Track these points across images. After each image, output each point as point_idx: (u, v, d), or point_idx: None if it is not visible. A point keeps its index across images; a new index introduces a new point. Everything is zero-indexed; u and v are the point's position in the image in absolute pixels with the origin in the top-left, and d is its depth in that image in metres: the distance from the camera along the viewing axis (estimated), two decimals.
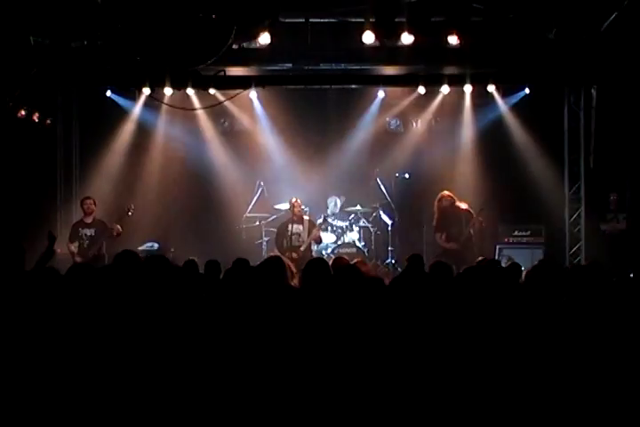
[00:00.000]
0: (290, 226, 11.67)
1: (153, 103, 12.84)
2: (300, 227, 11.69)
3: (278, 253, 11.10)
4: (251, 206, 12.56)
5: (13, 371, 4.47)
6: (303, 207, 11.94)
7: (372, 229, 12.61)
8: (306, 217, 11.82)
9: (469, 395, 4.43)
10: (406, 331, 4.85)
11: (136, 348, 4.64)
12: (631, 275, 8.39)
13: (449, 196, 11.44)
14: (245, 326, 4.88)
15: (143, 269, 5.50)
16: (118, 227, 10.97)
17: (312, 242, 11.76)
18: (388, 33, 10.65)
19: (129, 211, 11.13)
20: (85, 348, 4.61)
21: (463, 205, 11.44)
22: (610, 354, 4.59)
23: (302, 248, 11.49)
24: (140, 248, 11.98)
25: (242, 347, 4.69)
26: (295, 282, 6.45)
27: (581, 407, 4.36)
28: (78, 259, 10.68)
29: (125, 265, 5.84)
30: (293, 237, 11.59)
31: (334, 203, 12.62)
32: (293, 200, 11.84)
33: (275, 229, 12.30)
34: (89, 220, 11.22)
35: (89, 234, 11.03)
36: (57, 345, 4.63)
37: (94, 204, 11.29)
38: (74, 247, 11.00)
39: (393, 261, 12.27)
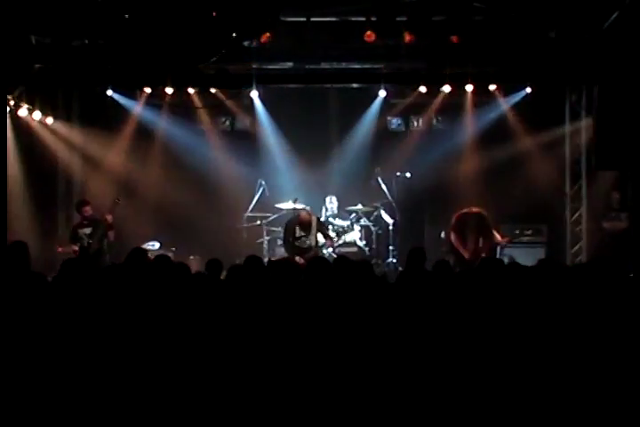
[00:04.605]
0: (297, 227, 11.48)
1: (154, 102, 12.86)
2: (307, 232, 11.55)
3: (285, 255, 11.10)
4: (252, 206, 12.51)
5: (15, 369, 4.48)
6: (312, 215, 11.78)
7: (373, 229, 12.57)
8: (314, 223, 11.64)
9: (469, 391, 4.44)
10: (408, 329, 4.87)
11: (138, 346, 4.68)
12: (631, 275, 8.35)
13: (484, 217, 11.33)
14: (247, 325, 4.89)
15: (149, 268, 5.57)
16: (110, 217, 11.02)
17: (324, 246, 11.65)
18: (388, 32, 10.68)
19: (117, 201, 11.16)
20: (87, 345, 4.65)
21: (498, 236, 11.37)
22: (610, 353, 4.58)
23: (311, 254, 11.17)
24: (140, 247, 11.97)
25: (243, 346, 4.70)
26: None
27: (582, 406, 4.35)
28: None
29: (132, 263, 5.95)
30: (299, 239, 11.44)
31: (330, 201, 12.56)
32: (302, 210, 11.71)
33: (275, 229, 12.28)
34: (86, 220, 11.24)
35: (88, 233, 11.09)
36: (61, 342, 4.66)
37: (90, 207, 11.29)
38: (76, 247, 11.07)
39: (394, 261, 12.24)
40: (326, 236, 11.59)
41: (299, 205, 12.09)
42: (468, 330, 4.82)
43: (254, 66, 11.57)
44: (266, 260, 10.05)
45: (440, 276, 6.57)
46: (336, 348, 4.65)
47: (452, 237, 11.29)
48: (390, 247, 12.41)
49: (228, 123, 13.43)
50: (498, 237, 11.39)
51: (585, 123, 12.47)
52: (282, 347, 4.67)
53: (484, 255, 11.02)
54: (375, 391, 4.42)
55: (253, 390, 4.44)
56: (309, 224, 11.46)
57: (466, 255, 11.17)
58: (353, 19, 10.87)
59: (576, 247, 12.80)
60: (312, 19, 10.88)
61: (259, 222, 12.51)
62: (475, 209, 11.42)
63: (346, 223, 12.43)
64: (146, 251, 6.86)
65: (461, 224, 11.28)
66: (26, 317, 4.86)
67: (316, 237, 11.49)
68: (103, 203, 11.61)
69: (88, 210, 11.20)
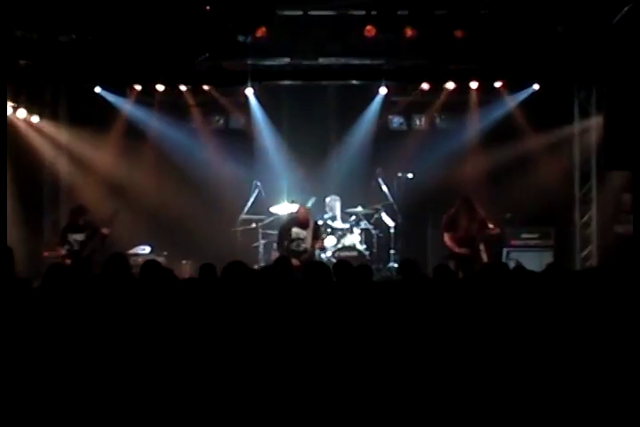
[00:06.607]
0: (292, 230, 11.27)
1: (144, 100, 12.75)
2: (304, 232, 11.30)
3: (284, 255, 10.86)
4: (247, 208, 12.31)
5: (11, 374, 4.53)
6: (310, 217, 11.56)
7: (373, 232, 12.35)
8: (312, 222, 11.43)
9: (470, 397, 4.45)
10: (409, 336, 4.89)
11: (135, 350, 4.73)
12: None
13: (470, 200, 11.04)
14: (245, 330, 4.86)
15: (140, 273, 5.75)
16: (107, 230, 10.90)
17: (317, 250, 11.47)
18: (389, 26, 10.63)
19: (116, 214, 11.03)
20: (72, 353, 4.67)
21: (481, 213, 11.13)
22: (615, 357, 4.57)
23: (305, 256, 10.99)
24: (131, 251, 11.81)
25: (240, 352, 4.70)
26: None
27: (585, 409, 4.37)
28: (68, 261, 10.43)
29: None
30: (294, 242, 11.21)
31: (334, 203, 12.34)
32: (300, 207, 11.53)
33: (271, 232, 12.07)
34: (79, 225, 11.03)
35: (79, 239, 10.91)
36: (46, 349, 4.69)
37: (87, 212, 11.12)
38: (64, 251, 10.86)
39: (395, 265, 12.00)
40: (316, 237, 11.32)
41: (296, 207, 11.81)
42: (470, 337, 4.79)
43: (249, 62, 11.49)
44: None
45: (440, 281, 6.52)
46: (334, 354, 4.64)
47: (446, 237, 11.03)
48: (392, 251, 12.21)
49: (221, 121, 13.30)
50: (490, 224, 11.09)
51: (595, 121, 12.26)
52: (277, 353, 4.65)
53: (482, 248, 10.76)
54: (375, 398, 4.43)
55: (250, 396, 4.44)
56: (308, 223, 11.21)
57: (462, 252, 10.85)
58: (352, 12, 10.82)
59: (586, 251, 12.68)
60: (310, 12, 10.83)
61: (254, 225, 12.31)
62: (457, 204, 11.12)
63: (345, 226, 12.21)
64: (127, 257, 6.76)
65: (449, 222, 10.97)
66: (10, 323, 4.86)
67: (312, 240, 11.26)
68: (92, 203, 11.47)
69: (84, 219, 10.99)
